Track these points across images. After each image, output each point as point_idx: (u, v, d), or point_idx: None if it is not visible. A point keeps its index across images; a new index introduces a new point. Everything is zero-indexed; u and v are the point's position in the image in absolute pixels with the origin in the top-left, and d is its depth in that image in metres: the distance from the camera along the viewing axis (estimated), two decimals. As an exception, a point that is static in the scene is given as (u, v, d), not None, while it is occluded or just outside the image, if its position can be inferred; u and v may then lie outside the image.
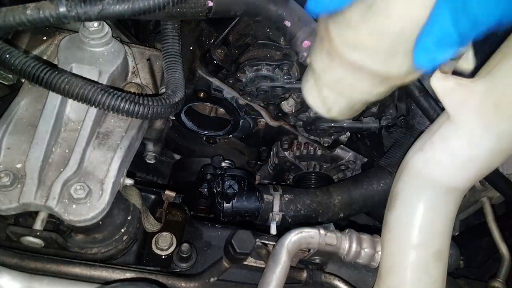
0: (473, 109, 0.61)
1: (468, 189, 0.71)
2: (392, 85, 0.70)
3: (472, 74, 0.62)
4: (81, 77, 0.73)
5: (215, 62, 0.92)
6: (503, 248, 1.05)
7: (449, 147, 0.65)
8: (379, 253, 0.80)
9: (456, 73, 0.63)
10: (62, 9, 0.62)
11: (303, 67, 0.94)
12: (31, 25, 0.62)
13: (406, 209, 0.71)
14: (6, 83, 0.90)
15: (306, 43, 0.83)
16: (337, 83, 0.72)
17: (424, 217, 0.69)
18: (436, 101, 0.85)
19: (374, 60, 0.65)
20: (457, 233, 1.30)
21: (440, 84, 0.62)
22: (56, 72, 0.68)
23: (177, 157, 1.32)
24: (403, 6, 0.56)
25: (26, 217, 0.77)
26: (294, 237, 0.78)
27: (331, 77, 0.72)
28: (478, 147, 0.63)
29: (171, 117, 1.10)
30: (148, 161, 1.07)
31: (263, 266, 0.87)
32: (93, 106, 0.69)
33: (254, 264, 0.88)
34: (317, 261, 0.85)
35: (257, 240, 0.86)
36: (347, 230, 0.82)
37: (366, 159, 1.17)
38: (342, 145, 1.15)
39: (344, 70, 0.68)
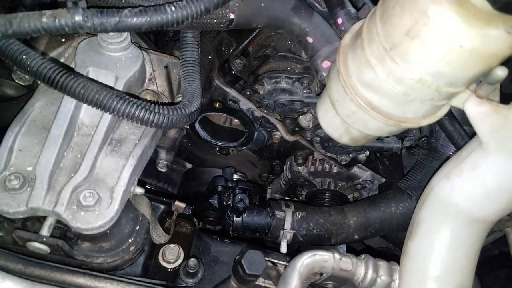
0: (508, 137, 0.57)
1: (495, 221, 0.67)
2: (406, 127, 0.68)
3: (509, 100, 0.59)
4: (96, 82, 0.71)
5: (233, 72, 0.90)
6: (525, 283, 1.00)
7: (479, 176, 0.61)
8: (396, 281, 0.76)
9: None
10: (78, 18, 0.61)
11: (324, 84, 0.91)
12: (46, 33, 0.62)
13: (428, 238, 0.67)
14: (22, 84, 0.89)
15: (326, 63, 0.81)
16: (350, 116, 0.71)
17: (447, 248, 0.65)
18: (461, 125, 0.82)
19: (389, 103, 0.63)
20: (475, 262, 1.24)
21: (475, 109, 0.58)
22: (72, 76, 0.67)
23: (189, 165, 1.30)
24: (423, 57, 0.54)
25: (33, 221, 0.76)
26: (306, 260, 0.75)
27: (344, 109, 0.71)
28: (510, 178, 0.59)
29: (186, 126, 1.08)
30: (160, 169, 1.05)
31: (272, 287, 0.84)
32: (108, 112, 0.67)
33: (263, 284, 0.85)
34: (330, 286, 0.81)
35: (267, 259, 0.83)
36: (363, 256, 0.78)
37: (384, 180, 1.13)
38: (359, 164, 1.11)
39: (357, 107, 0.67)
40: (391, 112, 0.64)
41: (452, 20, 0.49)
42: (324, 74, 0.82)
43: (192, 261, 0.81)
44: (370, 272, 0.76)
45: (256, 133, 1.09)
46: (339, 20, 0.77)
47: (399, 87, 0.59)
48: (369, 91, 0.64)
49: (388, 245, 1.32)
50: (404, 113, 0.64)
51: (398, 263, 0.76)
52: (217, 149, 1.18)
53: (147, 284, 0.74)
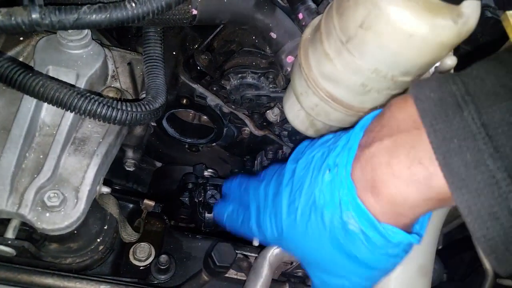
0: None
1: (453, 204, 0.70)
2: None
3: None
4: (57, 80, 0.70)
5: (198, 68, 0.90)
6: (486, 263, 1.05)
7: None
8: (363, 266, 0.79)
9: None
10: (35, 16, 0.59)
11: (288, 79, 0.93)
12: (2, 31, 0.61)
13: (390, 223, 0.69)
14: (-21, 85, 0.86)
15: (290, 58, 0.82)
16: (313, 109, 0.73)
17: (408, 231, 0.68)
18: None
19: (348, 94, 0.65)
20: (440, 247, 1.29)
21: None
22: (30, 74, 0.65)
23: (159, 164, 1.29)
24: (376, 48, 0.56)
25: (-3, 224, 0.74)
26: (276, 250, 0.76)
27: (308, 102, 0.73)
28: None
29: (152, 124, 1.07)
30: (128, 168, 1.04)
31: (244, 278, 0.85)
32: (69, 110, 0.66)
33: (235, 277, 0.86)
34: (300, 274, 0.83)
35: (238, 252, 0.84)
36: (330, 243, 0.80)
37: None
38: (327, 156, 1.14)
39: (319, 99, 0.69)
40: (351, 103, 0.67)
41: (401, 11, 0.51)
42: (289, 69, 0.83)
43: (163, 258, 0.81)
44: (338, 259, 0.78)
45: (225, 129, 1.10)
46: (300, 15, 0.78)
47: (356, 78, 0.61)
48: (329, 83, 0.66)
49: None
50: (363, 103, 0.66)
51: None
52: (187, 146, 1.18)
53: (117, 282, 0.74)
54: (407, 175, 0.45)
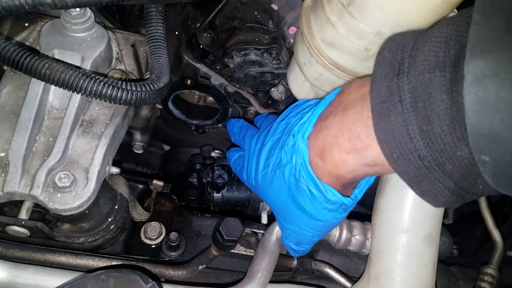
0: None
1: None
2: None
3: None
4: (62, 62, 0.71)
5: (201, 47, 0.89)
6: (496, 235, 1.05)
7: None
8: (370, 240, 0.80)
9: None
10: (38, -5, 0.60)
11: (292, 52, 0.92)
12: (6, 12, 0.61)
13: (396, 193, 0.70)
14: (-13, 71, 0.88)
15: (292, 29, 0.82)
16: (317, 79, 0.72)
17: (414, 200, 0.68)
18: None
19: (352, 60, 0.64)
20: (451, 222, 1.29)
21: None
22: (37, 57, 0.66)
23: (167, 148, 1.30)
24: (379, 8, 0.55)
25: (11, 206, 0.76)
26: (283, 224, 0.77)
27: (311, 72, 0.72)
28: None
29: (159, 106, 1.08)
30: (136, 151, 1.05)
31: (253, 254, 0.86)
32: (75, 91, 0.67)
33: (245, 253, 0.87)
34: (308, 248, 0.84)
35: (247, 228, 0.85)
36: (337, 216, 0.81)
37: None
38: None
39: (323, 67, 0.68)
40: (355, 69, 0.66)
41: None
42: (292, 41, 0.83)
43: (173, 235, 0.83)
44: (344, 232, 0.79)
45: (230, 109, 1.10)
46: None
47: (360, 42, 0.60)
48: (333, 49, 0.65)
49: (367, 212, 1.36)
50: (368, 69, 0.65)
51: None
52: (193, 128, 1.19)
53: (129, 259, 0.76)
54: (348, 146, 0.54)
